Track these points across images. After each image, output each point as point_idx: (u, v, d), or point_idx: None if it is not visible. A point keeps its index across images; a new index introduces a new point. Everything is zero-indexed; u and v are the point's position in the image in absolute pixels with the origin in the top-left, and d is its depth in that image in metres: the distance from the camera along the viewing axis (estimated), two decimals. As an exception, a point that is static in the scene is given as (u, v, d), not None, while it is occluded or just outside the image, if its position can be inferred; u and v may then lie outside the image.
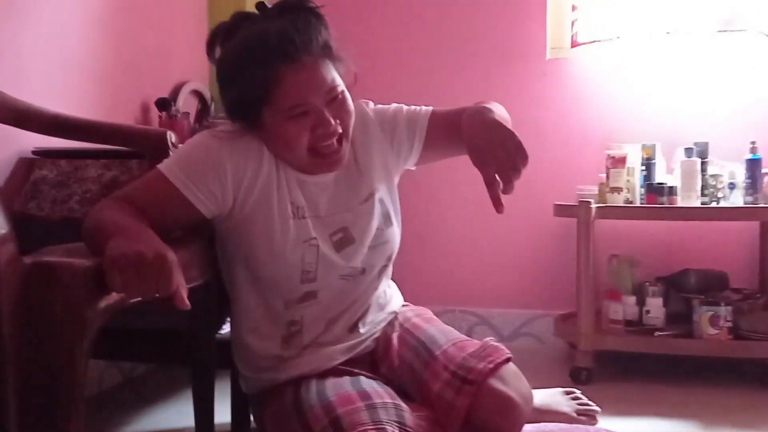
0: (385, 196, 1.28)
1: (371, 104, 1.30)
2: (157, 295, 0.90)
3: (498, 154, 1.11)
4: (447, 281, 2.56)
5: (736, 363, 2.09)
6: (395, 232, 1.29)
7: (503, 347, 1.24)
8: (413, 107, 1.31)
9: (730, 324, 1.97)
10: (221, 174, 1.14)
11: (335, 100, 1.16)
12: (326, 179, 1.23)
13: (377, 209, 1.26)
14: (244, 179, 1.16)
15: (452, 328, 1.34)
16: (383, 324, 1.33)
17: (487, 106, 1.19)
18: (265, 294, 1.23)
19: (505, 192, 1.11)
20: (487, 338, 1.29)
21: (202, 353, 1.33)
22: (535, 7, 2.47)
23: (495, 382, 1.15)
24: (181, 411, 1.73)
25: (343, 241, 1.23)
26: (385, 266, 1.31)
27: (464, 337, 1.30)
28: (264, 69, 1.11)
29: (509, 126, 1.15)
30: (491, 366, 1.17)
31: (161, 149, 1.33)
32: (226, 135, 1.19)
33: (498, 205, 1.11)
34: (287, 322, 1.23)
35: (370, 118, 1.28)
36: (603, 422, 1.56)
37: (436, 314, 1.43)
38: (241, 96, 1.15)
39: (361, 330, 1.28)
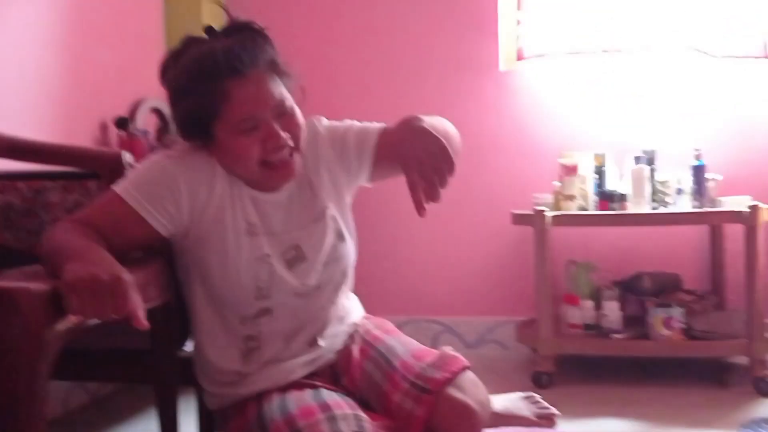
0: (337, 213, 1.31)
1: (324, 121, 1.33)
2: (113, 316, 0.92)
3: (421, 157, 1.14)
4: (411, 291, 2.60)
5: (689, 362, 2.16)
6: (349, 247, 1.32)
7: (460, 356, 1.27)
8: (365, 124, 1.33)
9: (682, 325, 2.04)
10: (176, 193, 1.16)
11: (284, 114, 1.19)
12: (280, 197, 1.26)
13: (330, 226, 1.28)
14: (198, 197, 1.18)
15: (412, 339, 1.36)
16: (343, 336, 1.35)
17: (421, 116, 1.22)
18: (221, 310, 1.24)
19: (430, 198, 1.13)
20: (446, 347, 1.32)
21: (165, 371, 1.34)
22: (487, 20, 2.53)
23: (453, 391, 1.18)
24: (147, 430, 1.73)
25: (296, 259, 1.25)
26: (341, 282, 1.32)
27: (423, 347, 1.32)
28: (213, 83, 1.14)
29: (442, 134, 1.17)
30: (449, 375, 1.20)
31: (117, 170, 1.34)
32: (179, 154, 1.21)
33: (420, 209, 1.13)
34: (245, 337, 1.25)
35: (321, 136, 1.30)
36: (562, 425, 1.60)
37: (400, 324, 1.45)
38: (191, 113, 1.18)
39: (321, 344, 1.30)
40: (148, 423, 1.77)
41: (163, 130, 2.38)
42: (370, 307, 1.48)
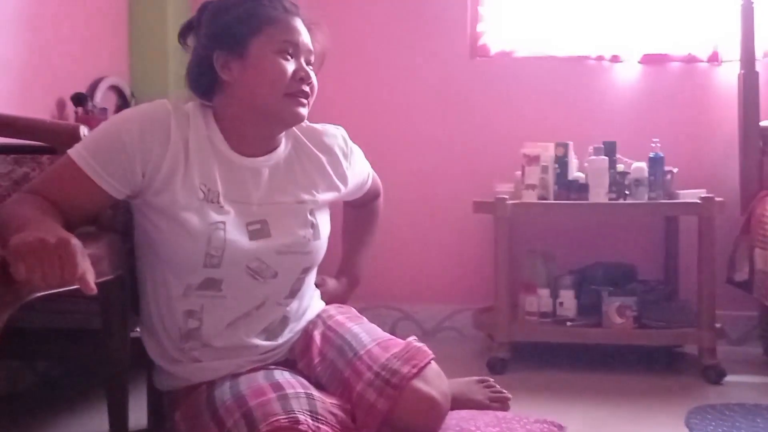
0: (318, 211, 1.30)
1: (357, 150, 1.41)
2: (62, 281, 0.90)
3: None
4: (371, 278, 2.57)
5: (641, 350, 2.20)
6: (320, 247, 1.30)
7: (426, 348, 1.27)
8: (373, 179, 1.50)
9: (635, 314, 2.08)
10: (129, 153, 1.15)
11: (310, 65, 1.25)
12: (259, 165, 1.25)
13: (307, 218, 1.27)
14: (152, 157, 1.16)
15: (377, 327, 1.35)
16: (300, 331, 1.34)
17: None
18: (166, 276, 1.21)
19: None
20: (411, 338, 1.31)
21: (116, 351, 1.31)
22: (453, 11, 2.54)
23: (418, 383, 1.19)
24: (96, 412, 1.70)
25: (259, 232, 1.22)
26: (303, 278, 1.30)
27: (389, 336, 1.31)
28: (265, 7, 1.21)
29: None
30: (415, 370, 1.20)
31: (74, 144, 1.31)
32: (135, 114, 1.20)
33: None
34: (185, 312, 1.21)
35: (354, 152, 1.39)
36: (515, 408, 1.62)
37: (360, 311, 1.45)
38: (231, 26, 1.20)
39: (279, 340, 1.29)
40: (98, 404, 1.75)
41: (121, 107, 2.34)
42: (330, 293, 1.48)
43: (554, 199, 2.21)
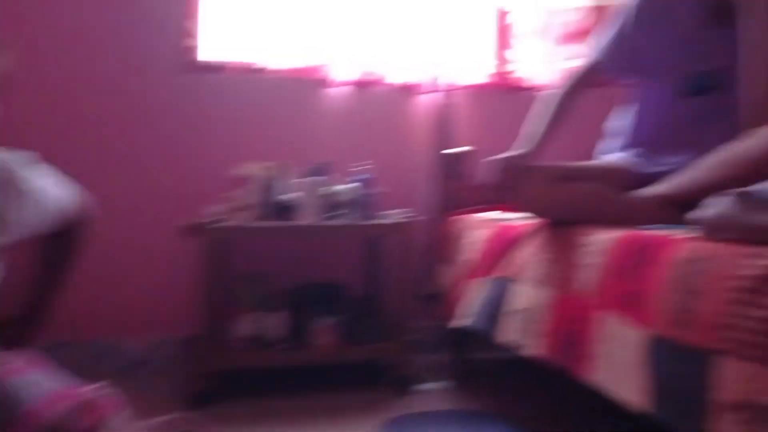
0: None
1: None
2: None
3: None
4: (69, 311, 2.35)
5: (347, 367, 2.26)
6: None
7: (110, 396, 1.14)
8: (65, 204, 1.33)
9: (341, 332, 2.13)
10: None
11: None
12: None
13: None
14: None
15: (53, 376, 1.19)
16: None
17: None
18: None
19: None
20: (94, 385, 1.17)
21: None
22: (164, 21, 2.42)
23: None
24: None
25: None
26: None
27: (65, 386, 1.15)
28: None
29: None
30: (95, 422, 1.07)
31: None
32: None
33: None
34: None
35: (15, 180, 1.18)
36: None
37: (57, 347, 1.26)
38: None
39: None
40: None
41: None
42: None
43: (266, 221, 2.20)
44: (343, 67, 2.51)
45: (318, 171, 2.26)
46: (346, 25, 2.52)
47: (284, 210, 2.19)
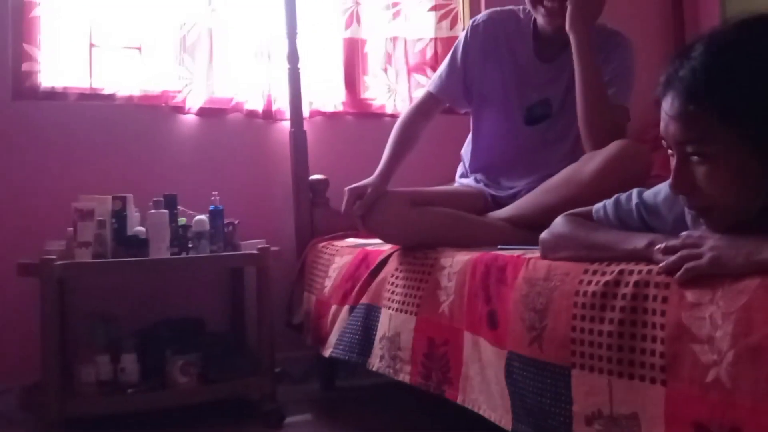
0: None
1: None
2: None
3: None
4: None
5: (209, 406, 2.16)
6: None
7: None
8: None
9: (200, 369, 2.04)
10: None
11: None
12: None
13: None
14: None
15: None
16: None
17: None
18: None
19: None
20: None
21: None
22: (3, 44, 2.24)
23: None
24: None
25: None
26: None
27: None
28: None
29: None
30: None
31: None
32: None
33: None
34: None
35: None
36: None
37: None
38: None
39: None
40: None
41: None
42: None
43: (112, 257, 2.06)
44: (195, 93, 2.44)
45: (168, 202, 2.16)
46: (198, 51, 2.45)
47: (132, 245, 2.08)
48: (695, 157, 0.95)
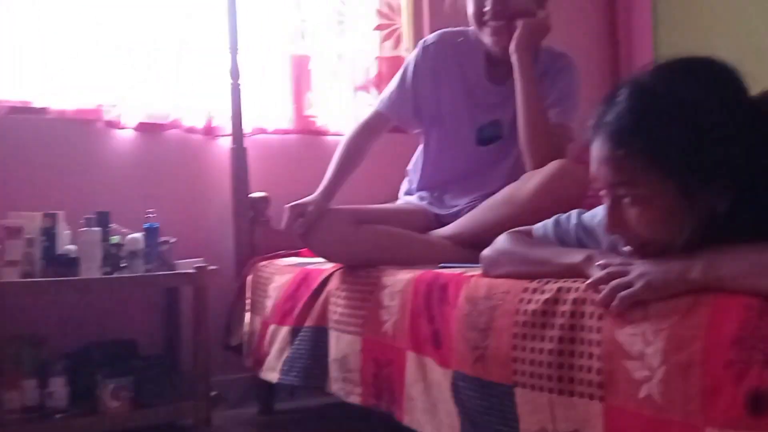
0: None
1: None
2: None
3: None
4: None
5: (149, 429, 2.09)
6: None
7: None
8: None
9: (132, 393, 1.97)
10: None
11: None
12: None
13: None
14: None
15: None
16: None
17: None
18: None
19: None
20: None
21: None
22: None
23: None
24: None
25: None
26: None
27: None
28: None
29: None
30: None
31: None
32: None
33: None
34: None
35: None
36: None
37: None
38: None
39: None
40: None
41: None
42: None
43: (41, 276, 1.98)
44: (132, 108, 2.37)
45: (100, 220, 2.09)
46: (135, 66, 2.39)
47: (62, 264, 2.00)
48: (627, 199, 0.97)
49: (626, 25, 3.04)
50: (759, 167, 0.92)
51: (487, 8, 1.84)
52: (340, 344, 1.69)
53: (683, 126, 0.92)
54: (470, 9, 1.89)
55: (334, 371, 1.71)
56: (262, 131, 2.60)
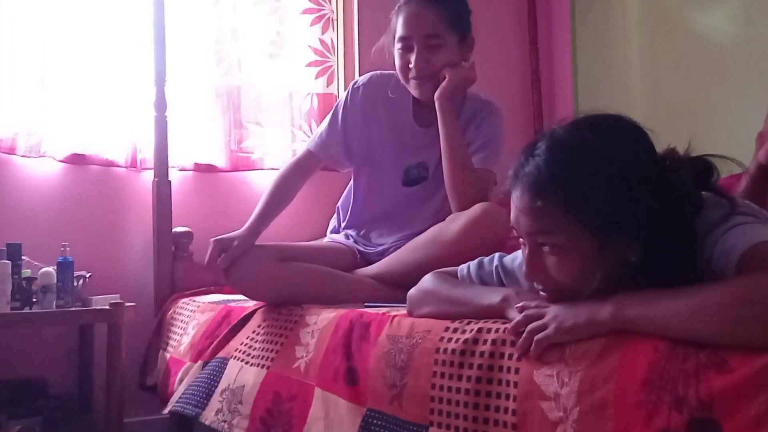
0: None
1: None
2: None
3: None
4: None
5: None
6: None
7: None
8: None
9: (38, 436, 1.87)
10: None
11: None
12: None
13: None
14: None
15: None
16: None
17: None
18: None
19: None
20: None
21: None
22: None
23: None
24: None
25: None
26: None
27: None
28: None
29: None
30: None
31: None
32: None
33: None
34: None
35: None
36: None
37: None
38: None
39: None
40: None
41: None
42: None
43: (-58, 311, 1.87)
44: (50, 139, 2.29)
45: (11, 252, 1.99)
46: (57, 95, 2.31)
47: (-31, 297, 1.89)
48: (546, 247, 1.00)
49: (548, 69, 3.16)
50: (667, 219, 0.97)
51: (411, 65, 1.87)
52: (241, 375, 1.64)
53: (597, 180, 0.96)
54: (397, 62, 1.92)
55: (219, 402, 1.65)
56: (192, 165, 2.53)
